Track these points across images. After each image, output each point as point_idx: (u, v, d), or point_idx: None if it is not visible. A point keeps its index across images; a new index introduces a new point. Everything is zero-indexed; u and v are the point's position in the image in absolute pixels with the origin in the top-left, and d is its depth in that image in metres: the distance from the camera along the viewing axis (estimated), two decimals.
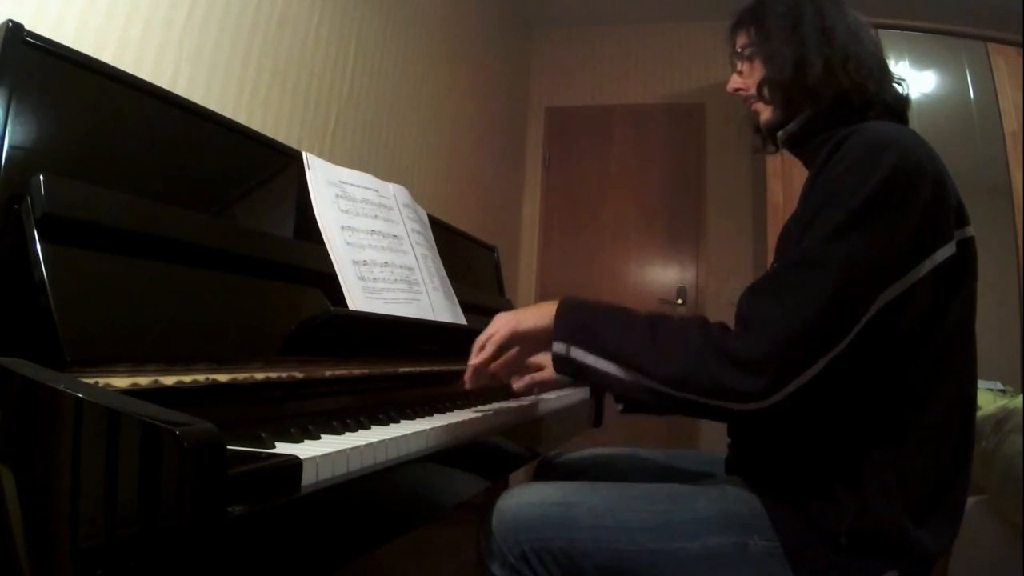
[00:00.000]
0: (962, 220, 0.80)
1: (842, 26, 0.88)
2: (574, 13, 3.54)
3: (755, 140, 1.01)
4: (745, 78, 0.97)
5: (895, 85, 0.89)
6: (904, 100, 0.90)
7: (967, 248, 0.79)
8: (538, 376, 1.13)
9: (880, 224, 0.72)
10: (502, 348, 0.89)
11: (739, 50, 0.97)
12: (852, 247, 0.71)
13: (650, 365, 0.77)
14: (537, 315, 0.87)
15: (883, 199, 0.72)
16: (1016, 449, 1.23)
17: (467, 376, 0.93)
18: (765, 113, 0.95)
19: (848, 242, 0.72)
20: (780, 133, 0.95)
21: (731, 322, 0.79)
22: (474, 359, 0.91)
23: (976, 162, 2.55)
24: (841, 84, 0.85)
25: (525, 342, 0.90)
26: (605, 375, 0.80)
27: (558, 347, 0.83)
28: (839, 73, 0.85)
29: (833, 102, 0.87)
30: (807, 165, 0.94)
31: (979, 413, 1.37)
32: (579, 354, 0.81)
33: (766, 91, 0.92)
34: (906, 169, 0.74)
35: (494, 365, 0.92)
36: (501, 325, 0.89)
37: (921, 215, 0.74)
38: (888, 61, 0.91)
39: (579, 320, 0.83)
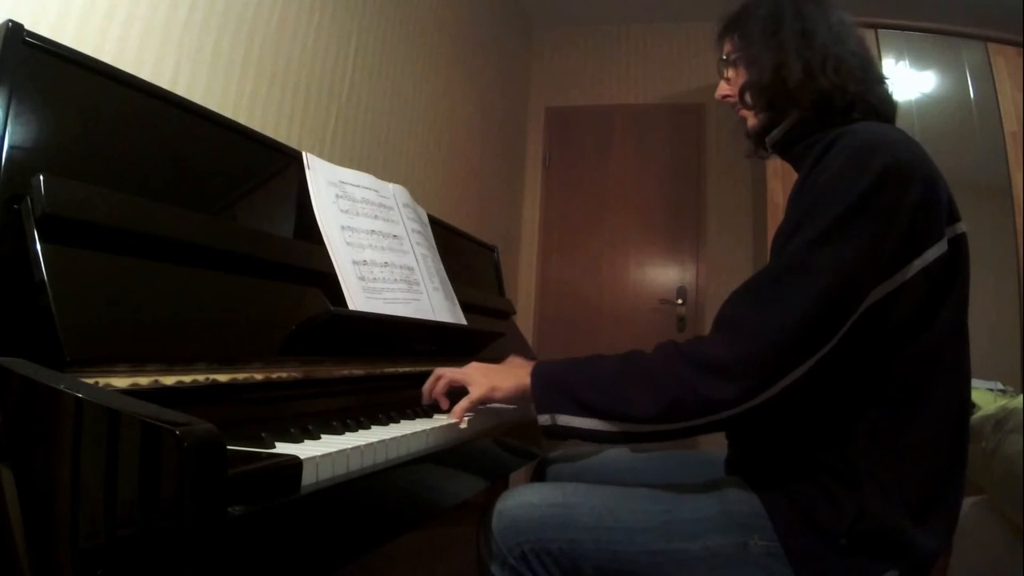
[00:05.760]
0: (953, 217, 0.80)
1: (823, 28, 0.88)
2: (574, 13, 3.54)
3: (747, 146, 1.02)
4: (732, 85, 0.98)
5: (881, 85, 0.89)
6: (890, 99, 0.90)
7: (959, 244, 0.79)
8: None
9: (866, 228, 0.72)
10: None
11: (725, 57, 0.99)
12: (837, 252, 0.71)
13: (637, 410, 0.77)
14: (512, 383, 0.87)
15: (870, 203, 0.72)
16: (1016, 449, 1.23)
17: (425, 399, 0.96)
18: (751, 119, 0.96)
19: (833, 248, 0.71)
20: (767, 138, 0.96)
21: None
22: (431, 397, 0.94)
23: (976, 162, 2.54)
24: (821, 86, 0.86)
25: (495, 403, 0.91)
26: (597, 433, 0.80)
27: (543, 419, 0.83)
28: (818, 75, 0.86)
29: (815, 105, 0.87)
30: (796, 169, 0.95)
31: (979, 413, 1.37)
32: (565, 419, 0.82)
33: (748, 96, 0.94)
34: (895, 171, 0.73)
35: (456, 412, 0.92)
36: (475, 387, 0.88)
37: (911, 216, 0.74)
38: (874, 61, 0.91)
39: (556, 386, 0.83)
